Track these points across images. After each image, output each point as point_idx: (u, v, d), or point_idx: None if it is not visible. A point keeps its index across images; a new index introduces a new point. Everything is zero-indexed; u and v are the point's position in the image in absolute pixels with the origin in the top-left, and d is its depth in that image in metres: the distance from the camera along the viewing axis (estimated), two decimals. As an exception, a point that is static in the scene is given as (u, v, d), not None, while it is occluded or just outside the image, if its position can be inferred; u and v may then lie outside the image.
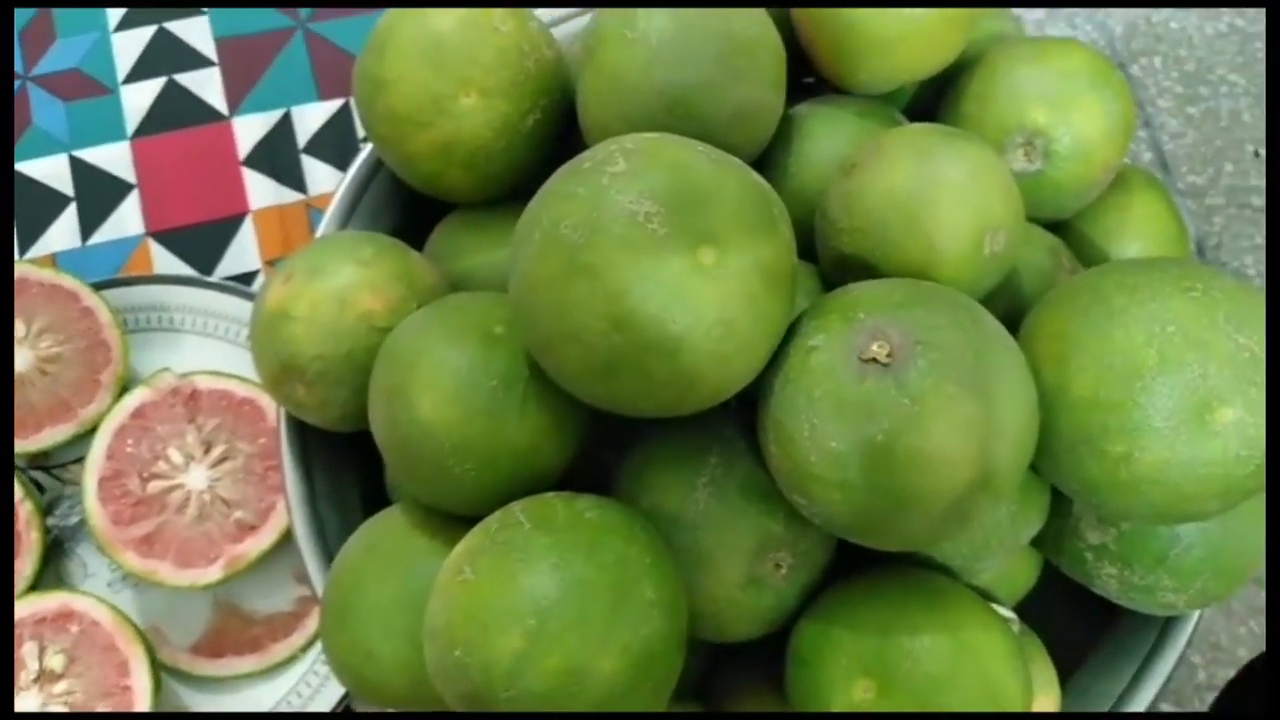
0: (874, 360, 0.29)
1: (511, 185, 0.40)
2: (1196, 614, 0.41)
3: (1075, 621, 0.42)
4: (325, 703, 0.49)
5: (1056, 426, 0.31)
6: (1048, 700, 0.39)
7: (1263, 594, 0.56)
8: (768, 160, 0.39)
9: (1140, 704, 0.41)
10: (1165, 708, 0.55)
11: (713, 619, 0.34)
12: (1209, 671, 0.55)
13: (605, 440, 0.37)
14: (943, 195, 0.33)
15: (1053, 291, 0.34)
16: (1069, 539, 0.37)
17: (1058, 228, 0.41)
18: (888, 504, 0.29)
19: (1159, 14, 0.69)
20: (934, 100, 0.42)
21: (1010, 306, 0.37)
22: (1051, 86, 0.38)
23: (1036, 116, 0.38)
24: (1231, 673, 0.53)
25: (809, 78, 0.43)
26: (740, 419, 0.35)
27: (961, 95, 0.40)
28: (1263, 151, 0.66)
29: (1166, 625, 0.41)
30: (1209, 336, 0.30)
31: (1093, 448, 0.31)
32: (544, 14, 0.43)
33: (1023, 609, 0.40)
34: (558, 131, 0.41)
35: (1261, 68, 0.68)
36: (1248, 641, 0.55)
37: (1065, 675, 0.41)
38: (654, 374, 0.29)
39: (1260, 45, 0.68)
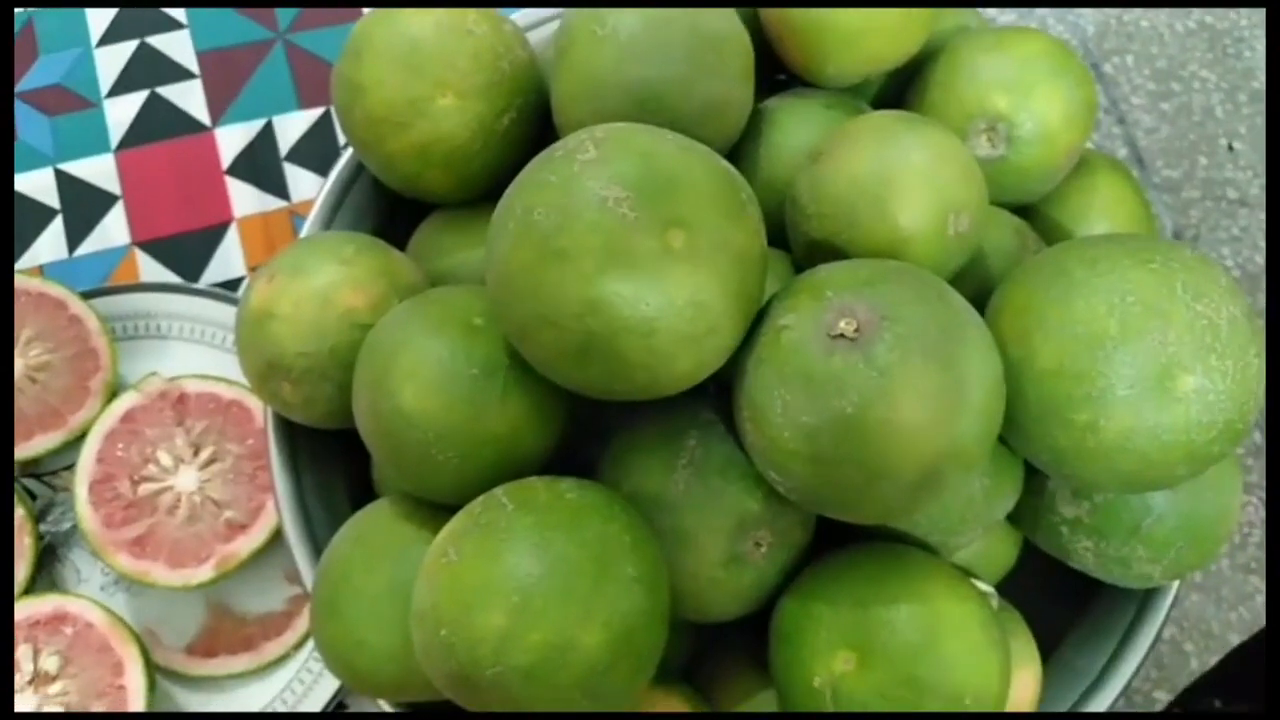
0: (842, 336, 0.30)
1: (489, 185, 0.41)
2: (1174, 586, 0.42)
3: (1056, 599, 0.43)
4: (318, 700, 0.49)
5: (1024, 398, 0.32)
6: (1028, 673, 0.39)
7: (1252, 580, 0.57)
8: (738, 152, 0.40)
9: (1123, 676, 0.42)
10: (1161, 696, 0.56)
11: (695, 597, 0.35)
12: (1201, 660, 0.56)
13: (586, 431, 0.38)
14: (906, 178, 0.34)
15: (1017, 268, 0.35)
16: (1044, 514, 0.38)
17: (1024, 212, 0.42)
18: (860, 475, 0.30)
19: (1130, 13, 0.70)
20: (900, 92, 0.43)
21: (978, 287, 0.37)
22: (1012, 73, 0.39)
23: (998, 102, 0.39)
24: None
25: (779, 74, 0.43)
26: (717, 403, 0.35)
27: (925, 84, 0.41)
28: (1236, 145, 0.67)
29: (1146, 599, 0.42)
30: (1168, 306, 0.31)
31: (1059, 418, 0.32)
32: (518, 18, 0.44)
33: (1004, 588, 0.41)
34: (533, 131, 0.42)
35: (1232, 63, 0.69)
36: (1238, 627, 0.56)
37: (1048, 652, 0.41)
38: (628, 356, 0.30)
39: (1229, 42, 0.70)
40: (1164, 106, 0.68)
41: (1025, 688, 0.39)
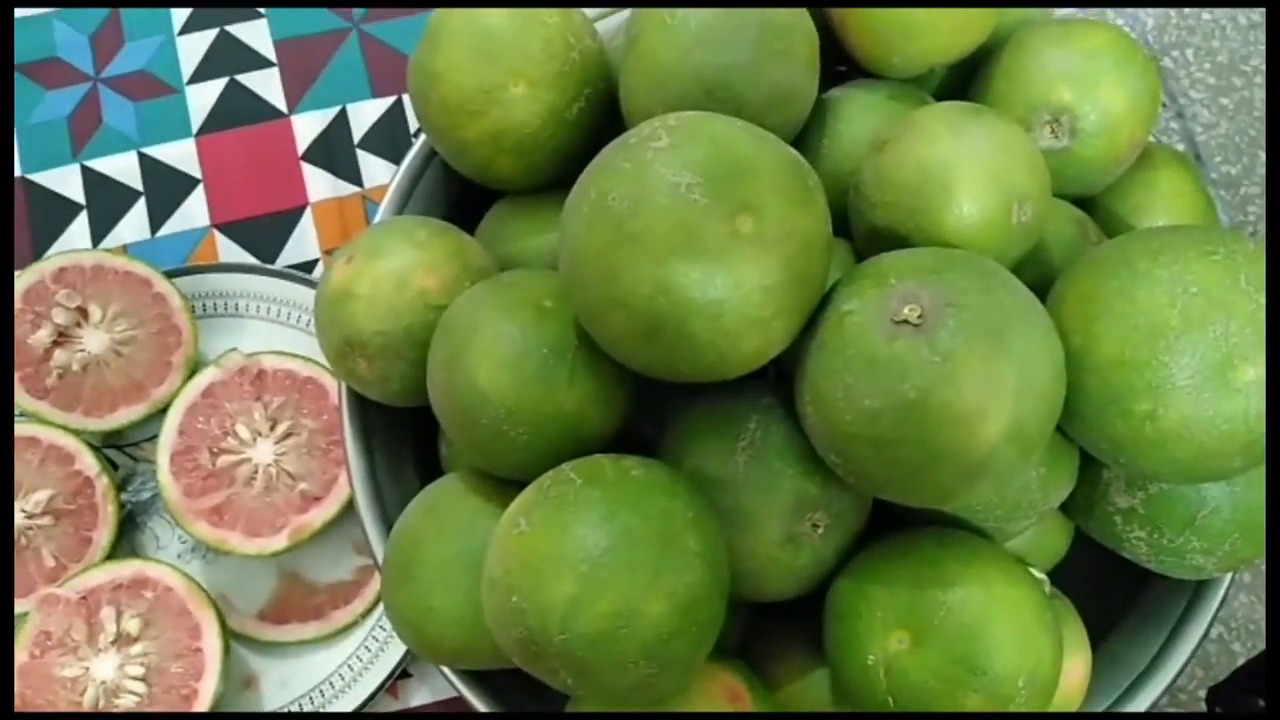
0: (905, 322, 0.30)
1: (557, 172, 0.42)
2: (1227, 579, 0.42)
3: (1106, 591, 0.43)
4: (384, 667, 0.51)
5: (1084, 387, 0.33)
6: (1079, 661, 0.40)
7: (1304, 577, 0.57)
8: (802, 142, 0.41)
9: (1172, 669, 0.42)
10: (1204, 693, 0.55)
11: (752, 576, 0.36)
12: (1251, 657, 0.56)
13: (650, 413, 0.39)
14: (971, 167, 0.34)
15: (1080, 258, 0.35)
16: (1098, 503, 0.38)
17: (1086, 204, 0.42)
18: (920, 459, 0.30)
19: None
20: (963, 83, 0.44)
21: (1039, 277, 0.37)
22: (1077, 65, 0.39)
23: (1062, 94, 0.39)
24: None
25: (842, 66, 0.44)
26: (778, 388, 0.36)
27: (989, 76, 0.41)
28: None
29: (1196, 592, 0.42)
30: (1230, 297, 0.31)
31: (1119, 407, 0.32)
32: (588, 9, 0.45)
33: (1055, 578, 0.41)
34: (601, 120, 0.43)
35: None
36: (1287, 625, 0.56)
37: (1096, 643, 0.42)
38: (696, 337, 0.31)
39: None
40: (1224, 101, 0.67)
41: (1075, 674, 0.39)
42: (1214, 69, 0.68)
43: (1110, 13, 0.69)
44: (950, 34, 0.40)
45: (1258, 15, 0.69)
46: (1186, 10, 0.69)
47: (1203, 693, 0.55)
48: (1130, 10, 0.69)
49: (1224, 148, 0.66)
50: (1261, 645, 0.55)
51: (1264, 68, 0.68)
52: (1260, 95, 0.67)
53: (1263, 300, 0.31)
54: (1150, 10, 0.69)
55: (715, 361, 0.32)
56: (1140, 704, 0.41)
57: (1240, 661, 0.56)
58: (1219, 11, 0.69)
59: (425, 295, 0.38)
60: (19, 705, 0.47)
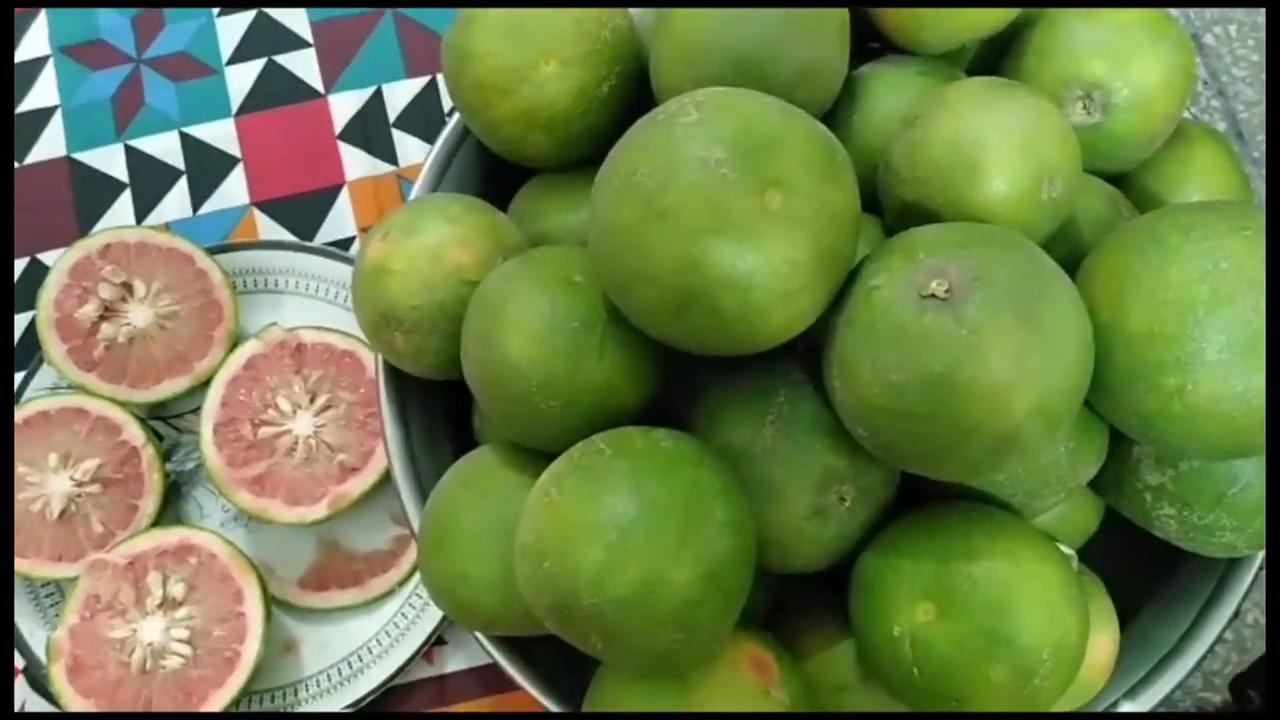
0: (933, 296, 0.30)
1: (589, 150, 0.42)
2: (1259, 558, 0.42)
3: (1136, 569, 0.43)
4: (420, 633, 0.52)
5: (1113, 361, 0.33)
6: (1106, 637, 0.40)
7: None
8: (832, 118, 0.41)
9: (1200, 647, 0.42)
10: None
11: (779, 547, 0.36)
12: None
13: (679, 388, 0.40)
14: (1001, 143, 0.34)
15: (1111, 233, 0.35)
16: (1128, 480, 0.38)
17: (1119, 180, 0.42)
18: (947, 433, 0.31)
19: (1234, -20, 0.68)
20: (995, 58, 0.43)
21: (1070, 253, 0.37)
22: (1109, 40, 0.39)
23: (1095, 69, 0.39)
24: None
25: (873, 42, 0.44)
26: (806, 363, 0.36)
27: (1021, 51, 0.41)
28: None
29: (1227, 570, 0.42)
30: (1261, 273, 0.31)
31: (1148, 382, 0.32)
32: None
33: (1084, 555, 0.41)
34: (632, 97, 0.43)
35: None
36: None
37: (1126, 620, 0.42)
38: (725, 311, 0.31)
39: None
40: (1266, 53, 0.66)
41: (1102, 650, 0.39)
42: (1257, 45, 0.66)
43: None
44: (981, 10, 0.39)
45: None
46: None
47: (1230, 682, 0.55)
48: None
49: (1265, 123, 0.65)
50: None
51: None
52: (1307, 70, 0.66)
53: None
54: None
55: (744, 335, 0.32)
56: (1169, 681, 0.41)
57: (1275, 648, 0.55)
58: (1264, -14, 0.67)
59: (459, 270, 0.39)
60: (71, 665, 0.48)
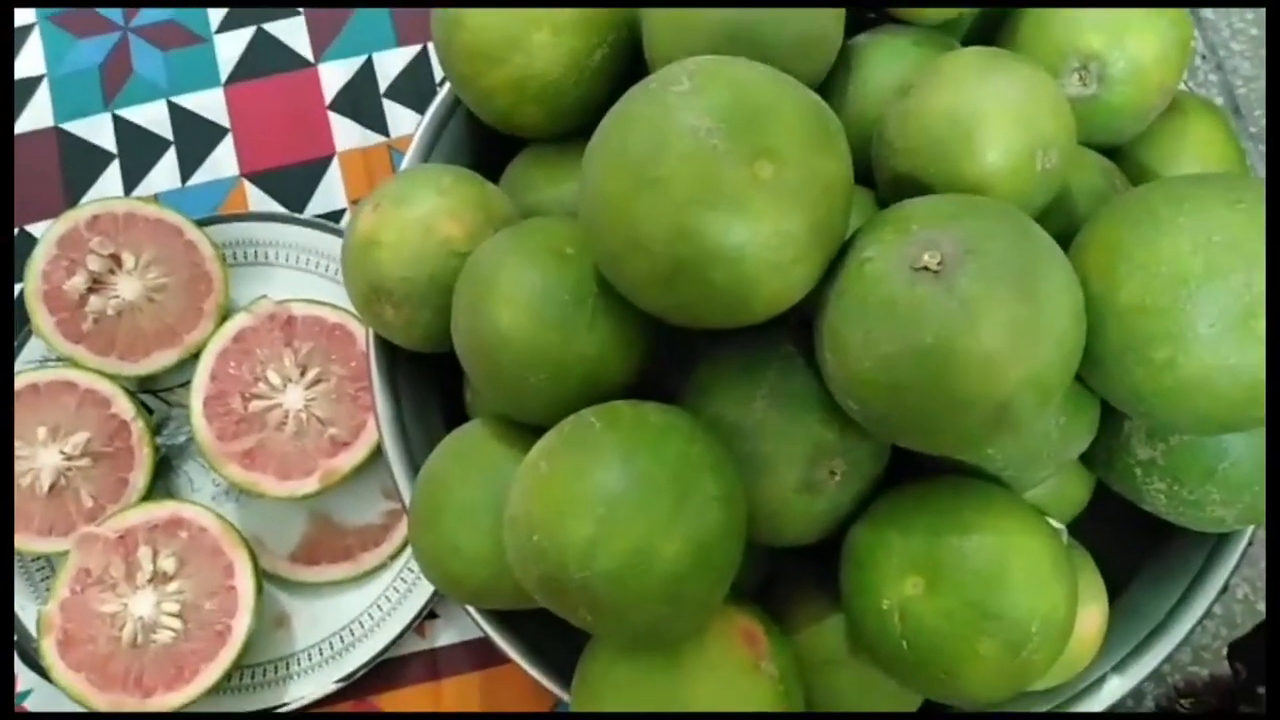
0: (925, 269, 0.30)
1: (581, 120, 0.42)
2: (1248, 533, 0.42)
3: (1127, 542, 0.43)
4: (411, 607, 0.52)
5: (1104, 334, 0.32)
6: (1095, 610, 0.40)
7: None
8: (828, 88, 0.40)
9: (1189, 620, 0.42)
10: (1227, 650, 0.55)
11: (769, 521, 0.36)
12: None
13: (670, 361, 0.40)
14: (995, 113, 0.34)
15: (1104, 206, 0.35)
16: (1119, 455, 0.38)
17: (1115, 153, 0.42)
18: (938, 405, 0.31)
19: (1235, -48, 0.67)
20: (991, 29, 0.43)
21: (1064, 226, 0.37)
22: (1105, 12, 0.39)
23: (1091, 41, 0.38)
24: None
25: (869, 12, 0.44)
26: (797, 337, 0.36)
27: (1017, 22, 0.41)
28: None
29: (1217, 545, 0.42)
30: (1255, 247, 0.31)
31: (1139, 355, 0.32)
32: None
33: (1075, 529, 0.41)
34: (625, 67, 0.42)
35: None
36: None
37: (1116, 593, 0.42)
38: (715, 282, 0.31)
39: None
40: (1266, 53, 0.65)
41: (1091, 623, 0.39)
42: (1256, 19, 0.66)
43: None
44: (978, -21, 0.39)
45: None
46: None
47: (1226, 651, 0.55)
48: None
49: (1265, 100, 0.64)
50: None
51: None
52: (1308, 45, 0.65)
53: (1289, 247, 0.31)
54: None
55: (735, 307, 0.32)
56: (1157, 654, 0.42)
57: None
58: (1264, -39, 0.67)
59: (449, 242, 0.39)
60: (62, 639, 0.48)
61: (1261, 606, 0.57)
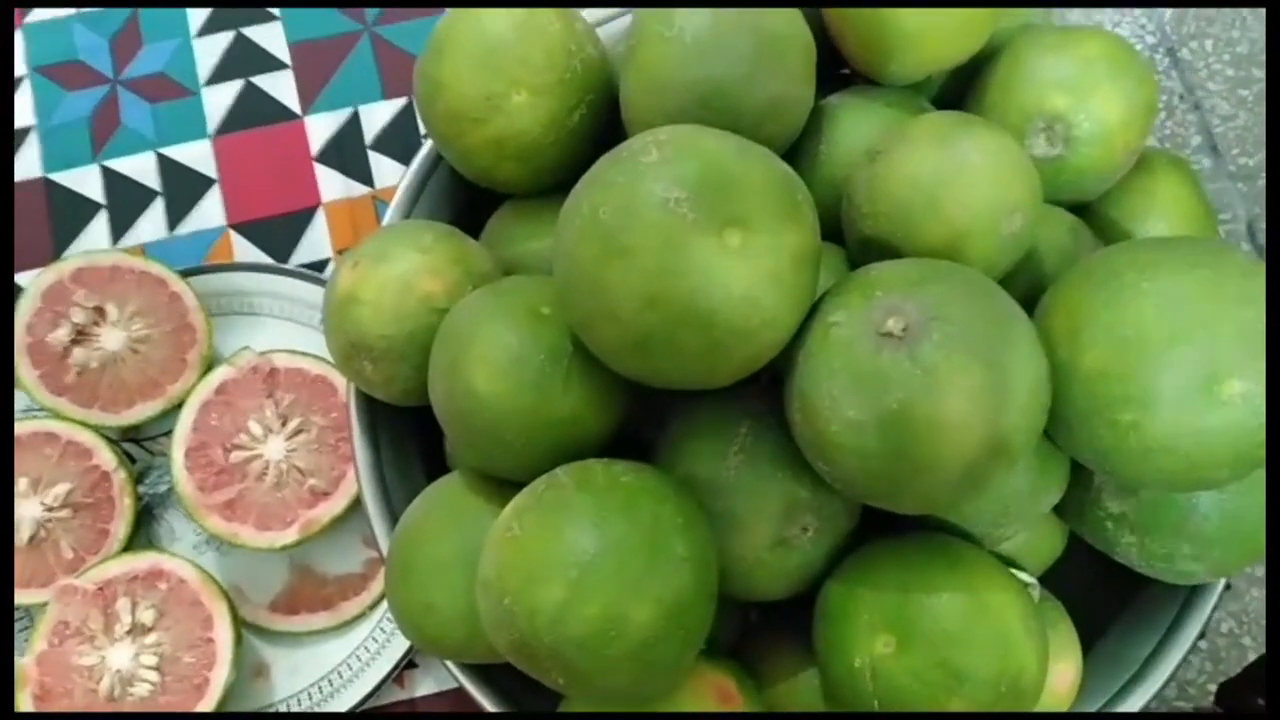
0: (890, 334, 0.31)
1: (560, 177, 0.43)
2: (1221, 582, 0.42)
3: (1104, 589, 0.43)
4: (391, 657, 0.52)
5: (1070, 397, 0.33)
6: (1068, 665, 0.40)
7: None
8: (800, 149, 0.41)
9: (1166, 669, 0.42)
10: (1214, 687, 0.55)
11: (743, 578, 0.37)
12: (1260, 654, 0.56)
13: (646, 416, 0.40)
14: (962, 179, 0.35)
15: (1069, 270, 0.35)
16: (1090, 508, 0.39)
17: (1083, 210, 0.42)
18: (903, 469, 0.31)
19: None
20: (962, 89, 0.44)
21: (1031, 285, 0.38)
22: (1072, 73, 0.39)
23: (1057, 102, 0.39)
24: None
25: (843, 69, 0.44)
26: (770, 395, 0.37)
27: (986, 83, 0.41)
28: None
29: (1192, 594, 0.43)
30: (1217, 311, 0.31)
31: (1104, 418, 0.32)
32: (589, 14, 0.45)
33: (1051, 577, 0.42)
34: (603, 126, 0.43)
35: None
36: (1299, 622, 0.56)
37: (1092, 641, 0.42)
38: (686, 348, 0.31)
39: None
40: (1243, 93, 0.66)
41: (1063, 679, 0.40)
42: (1233, 60, 0.67)
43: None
44: (946, 42, 0.40)
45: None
46: (1206, -2, 0.68)
47: (1213, 686, 0.55)
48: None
49: (1242, 139, 0.65)
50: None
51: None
52: (1283, 86, 0.66)
53: (1249, 314, 0.31)
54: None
55: (705, 372, 0.33)
56: (1133, 704, 0.42)
57: (1251, 656, 0.56)
58: (1240, -1, 0.68)
59: (429, 299, 0.39)
60: (39, 693, 0.48)
61: (1247, 641, 0.57)
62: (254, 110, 0.63)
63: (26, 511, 0.52)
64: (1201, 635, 0.43)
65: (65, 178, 0.62)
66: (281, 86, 0.63)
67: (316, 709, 0.52)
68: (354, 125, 0.62)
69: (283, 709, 0.52)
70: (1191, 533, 0.37)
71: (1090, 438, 0.33)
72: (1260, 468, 0.33)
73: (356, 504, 0.52)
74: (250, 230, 0.61)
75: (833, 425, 0.32)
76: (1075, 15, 0.68)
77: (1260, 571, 0.58)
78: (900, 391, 0.30)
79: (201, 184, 0.62)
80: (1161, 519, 0.37)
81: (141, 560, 0.51)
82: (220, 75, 0.63)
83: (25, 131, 0.62)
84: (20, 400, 0.55)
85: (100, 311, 0.55)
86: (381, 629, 0.53)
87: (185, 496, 0.52)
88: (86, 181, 0.62)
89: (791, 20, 0.39)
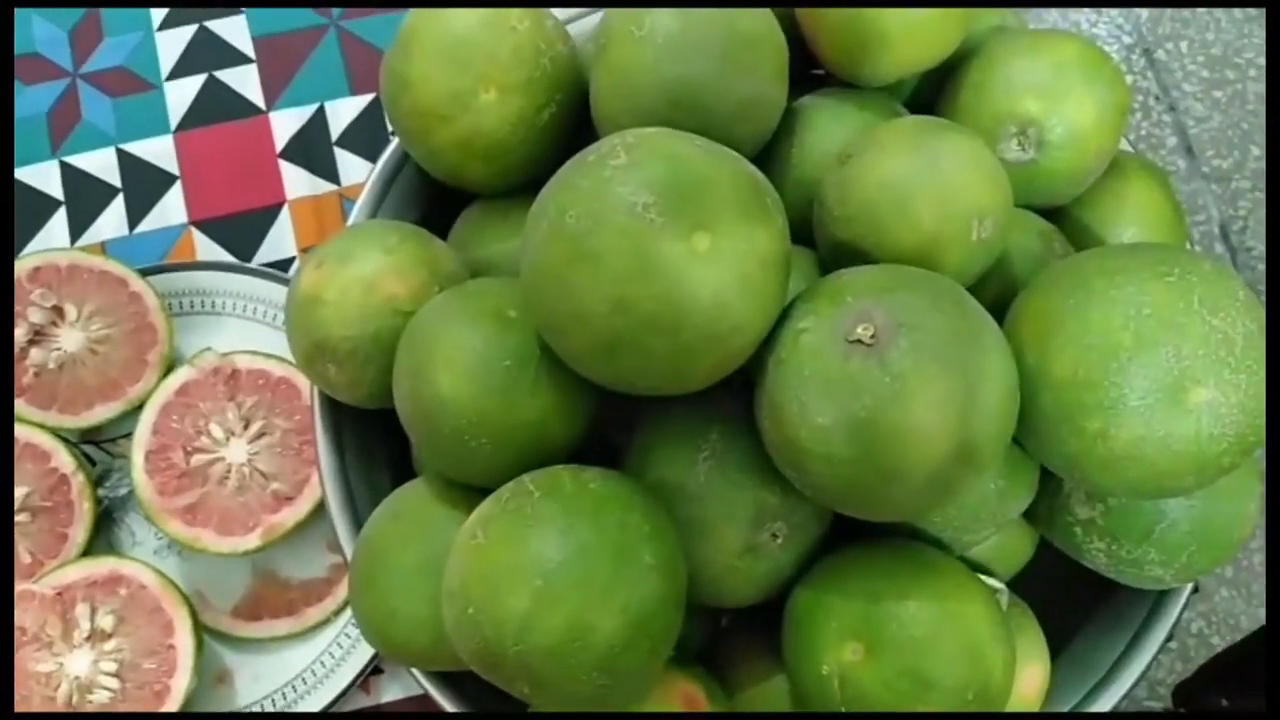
0: (859, 341, 0.31)
1: (529, 177, 0.42)
2: (1189, 586, 0.43)
3: (1072, 593, 0.43)
4: (356, 663, 0.51)
5: (1038, 404, 0.33)
6: (1036, 669, 0.40)
7: (1283, 576, 0.57)
8: (772, 151, 0.41)
9: (1134, 672, 0.42)
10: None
11: (713, 584, 0.36)
12: (1214, 652, 0.56)
13: (614, 422, 0.39)
14: (932, 184, 0.34)
15: (1039, 276, 0.35)
16: (1059, 514, 0.39)
17: (1055, 214, 0.42)
18: (872, 476, 0.31)
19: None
20: (935, 91, 0.44)
21: (1002, 289, 0.38)
22: (1044, 77, 0.39)
23: (1029, 106, 0.39)
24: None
25: (817, 69, 0.44)
26: (740, 400, 0.36)
27: (959, 86, 0.41)
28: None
29: (1159, 598, 0.43)
30: (1183, 319, 0.31)
31: (1072, 425, 0.32)
32: (559, 12, 0.45)
33: (1020, 580, 0.42)
34: (572, 125, 0.43)
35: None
36: (1268, 623, 0.56)
37: (1061, 645, 0.42)
38: (654, 353, 0.31)
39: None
40: (1217, 94, 0.67)
41: (1031, 683, 0.40)
42: (1208, 61, 0.67)
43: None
44: (919, 44, 0.40)
45: (1254, 9, 0.69)
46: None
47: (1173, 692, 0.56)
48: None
49: (1216, 141, 0.66)
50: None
51: (1259, 61, 0.67)
52: (1254, 89, 0.67)
53: (1216, 322, 0.31)
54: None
55: (675, 376, 0.32)
56: (1103, 704, 0.42)
57: (1220, 655, 0.56)
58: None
59: (393, 301, 0.39)
60: (-8, 701, 0.47)
61: (1216, 640, 0.57)
62: (217, 105, 0.62)
63: (-19, 516, 0.51)
64: (1170, 636, 0.43)
65: (24, 174, 0.60)
66: (246, 81, 0.62)
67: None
68: (320, 121, 0.61)
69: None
70: (1159, 539, 0.37)
71: (1058, 445, 0.33)
72: (1225, 475, 0.33)
73: (320, 509, 0.52)
74: (213, 228, 0.60)
75: (802, 431, 0.31)
76: (1053, 15, 0.68)
77: (1230, 573, 0.58)
78: (869, 398, 0.30)
79: (163, 180, 0.60)
80: (1130, 525, 0.37)
81: (101, 565, 0.50)
82: (183, 69, 0.62)
83: (-19, 126, 0.61)
84: (-25, 402, 0.54)
85: (58, 311, 0.54)
86: (346, 635, 0.52)
87: (146, 500, 0.51)
88: (45, 177, 0.60)
89: (763, 20, 0.38)
